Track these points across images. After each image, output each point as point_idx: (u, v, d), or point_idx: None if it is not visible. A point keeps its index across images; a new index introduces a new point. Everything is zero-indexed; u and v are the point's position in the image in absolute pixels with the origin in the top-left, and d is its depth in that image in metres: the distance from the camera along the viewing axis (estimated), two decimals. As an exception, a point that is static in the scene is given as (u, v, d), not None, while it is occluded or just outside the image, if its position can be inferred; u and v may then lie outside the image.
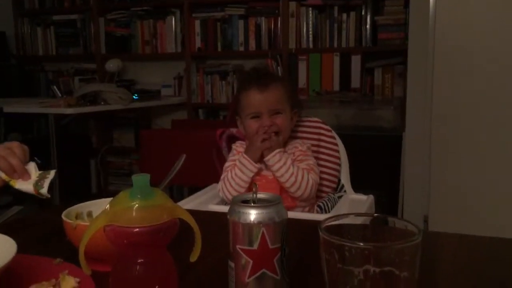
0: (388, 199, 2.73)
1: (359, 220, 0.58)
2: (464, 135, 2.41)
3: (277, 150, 1.37)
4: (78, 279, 0.65)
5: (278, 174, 1.36)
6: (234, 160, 1.43)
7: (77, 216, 0.80)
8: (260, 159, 1.40)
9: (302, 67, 3.36)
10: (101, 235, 0.57)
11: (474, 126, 2.39)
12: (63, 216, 0.76)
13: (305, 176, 1.36)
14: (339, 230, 0.53)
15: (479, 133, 2.38)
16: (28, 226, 0.88)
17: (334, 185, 1.51)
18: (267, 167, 1.41)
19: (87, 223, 0.72)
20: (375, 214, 0.55)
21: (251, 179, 1.38)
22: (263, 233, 0.58)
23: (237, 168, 1.39)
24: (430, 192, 2.51)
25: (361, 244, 0.49)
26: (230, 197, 1.38)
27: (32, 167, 0.94)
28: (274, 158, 1.36)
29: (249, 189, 1.38)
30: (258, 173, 1.40)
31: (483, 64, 2.35)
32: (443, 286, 0.70)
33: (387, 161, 2.82)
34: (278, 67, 3.40)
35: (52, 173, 0.92)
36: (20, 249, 0.65)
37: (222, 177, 1.44)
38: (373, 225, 0.56)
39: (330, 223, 0.55)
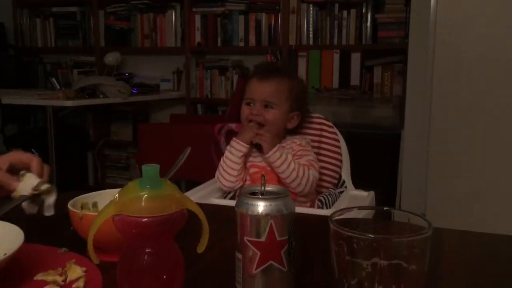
0: (385, 197, 2.73)
1: (361, 214, 0.58)
2: (463, 134, 2.42)
3: (276, 147, 1.38)
4: (84, 268, 0.65)
5: (279, 170, 1.37)
6: None
7: (83, 206, 0.80)
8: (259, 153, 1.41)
9: (302, 64, 3.36)
10: (108, 225, 0.57)
11: (473, 126, 2.40)
12: (69, 206, 0.76)
13: (306, 172, 1.37)
14: (348, 223, 0.53)
15: (478, 132, 2.39)
16: (31, 215, 0.88)
17: (335, 181, 1.51)
18: (265, 160, 1.42)
19: (94, 213, 0.72)
20: (385, 208, 0.56)
21: (242, 161, 1.41)
22: (271, 225, 0.58)
23: (227, 151, 1.43)
24: (427, 190, 2.52)
25: (371, 236, 0.49)
26: (223, 180, 1.41)
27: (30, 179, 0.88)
28: (275, 155, 1.37)
29: (242, 178, 1.41)
30: (256, 165, 1.42)
31: (484, 63, 2.35)
32: (446, 280, 0.70)
33: (385, 159, 2.83)
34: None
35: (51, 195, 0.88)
36: (24, 238, 0.65)
37: None
38: (383, 218, 0.57)
39: (340, 216, 0.55)
